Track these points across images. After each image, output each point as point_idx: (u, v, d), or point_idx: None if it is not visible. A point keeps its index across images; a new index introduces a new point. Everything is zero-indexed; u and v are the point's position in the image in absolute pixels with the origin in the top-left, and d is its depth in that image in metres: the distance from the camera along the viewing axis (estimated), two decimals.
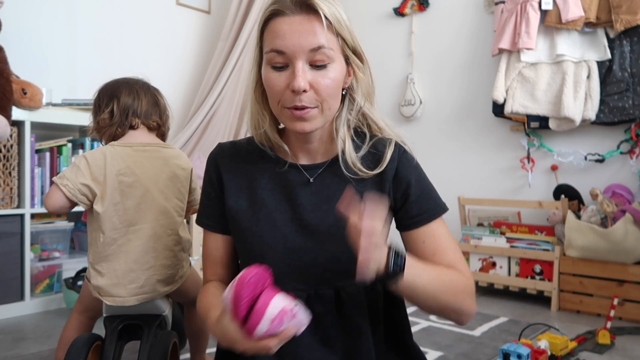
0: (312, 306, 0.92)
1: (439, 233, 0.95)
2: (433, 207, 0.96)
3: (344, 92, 0.95)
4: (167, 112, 1.45)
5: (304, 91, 0.86)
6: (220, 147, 1.04)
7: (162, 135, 1.45)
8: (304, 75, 0.85)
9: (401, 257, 0.82)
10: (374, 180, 0.96)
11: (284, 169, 0.98)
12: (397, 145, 0.98)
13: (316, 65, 0.86)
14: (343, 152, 0.95)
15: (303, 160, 0.99)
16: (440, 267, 0.92)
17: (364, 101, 0.97)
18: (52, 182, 1.32)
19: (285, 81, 0.87)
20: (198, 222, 1.05)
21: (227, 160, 1.01)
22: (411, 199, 0.96)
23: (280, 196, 0.97)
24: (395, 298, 1.00)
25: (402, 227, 0.98)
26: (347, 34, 0.89)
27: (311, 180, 0.97)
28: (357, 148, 0.96)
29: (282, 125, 0.99)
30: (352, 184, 0.95)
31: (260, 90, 0.95)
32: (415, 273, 0.84)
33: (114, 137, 1.37)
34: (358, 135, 0.99)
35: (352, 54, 0.92)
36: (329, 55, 0.86)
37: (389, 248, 0.82)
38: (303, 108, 0.87)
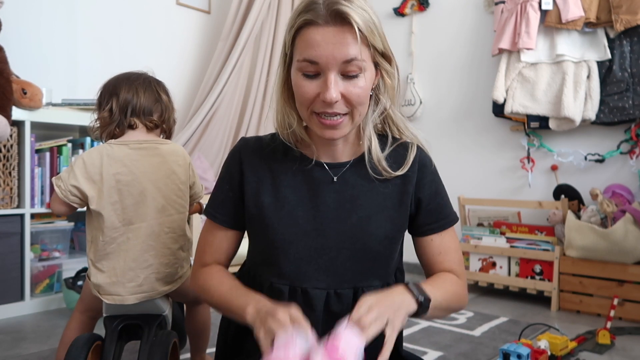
0: (330, 305, 0.93)
1: (447, 235, 1.02)
2: (447, 217, 1.02)
3: (370, 93, 0.95)
4: (170, 107, 1.43)
5: (335, 102, 0.86)
6: (245, 141, 1.03)
7: (165, 132, 1.44)
8: (336, 86, 0.86)
9: (420, 288, 0.89)
10: (396, 182, 0.98)
11: (308, 167, 0.97)
12: (418, 148, 1.00)
13: (348, 76, 0.87)
14: (369, 151, 0.96)
15: (326, 159, 0.99)
16: (444, 277, 0.99)
17: (389, 102, 0.97)
18: (51, 183, 1.32)
19: (316, 89, 0.87)
20: (206, 213, 1.04)
21: (250, 155, 1.00)
22: (430, 207, 1.00)
23: (303, 194, 0.96)
24: None
25: (417, 233, 1.02)
26: (378, 42, 0.89)
27: (335, 179, 0.97)
28: (381, 148, 0.97)
29: (305, 124, 1.00)
30: (376, 184, 0.96)
31: (287, 89, 0.95)
32: (435, 299, 0.90)
33: (113, 136, 1.38)
34: (380, 136, 1.00)
35: (381, 59, 0.92)
36: (361, 67, 0.87)
37: (410, 290, 0.87)
38: (334, 115, 0.88)
